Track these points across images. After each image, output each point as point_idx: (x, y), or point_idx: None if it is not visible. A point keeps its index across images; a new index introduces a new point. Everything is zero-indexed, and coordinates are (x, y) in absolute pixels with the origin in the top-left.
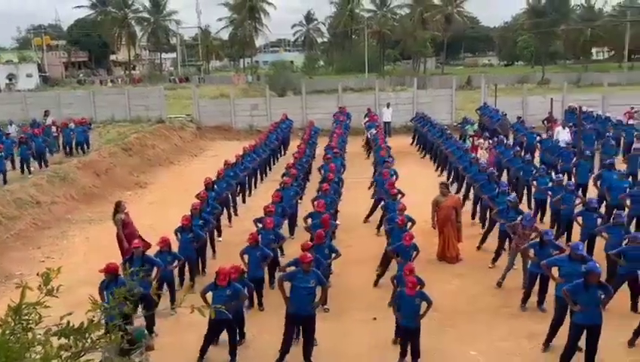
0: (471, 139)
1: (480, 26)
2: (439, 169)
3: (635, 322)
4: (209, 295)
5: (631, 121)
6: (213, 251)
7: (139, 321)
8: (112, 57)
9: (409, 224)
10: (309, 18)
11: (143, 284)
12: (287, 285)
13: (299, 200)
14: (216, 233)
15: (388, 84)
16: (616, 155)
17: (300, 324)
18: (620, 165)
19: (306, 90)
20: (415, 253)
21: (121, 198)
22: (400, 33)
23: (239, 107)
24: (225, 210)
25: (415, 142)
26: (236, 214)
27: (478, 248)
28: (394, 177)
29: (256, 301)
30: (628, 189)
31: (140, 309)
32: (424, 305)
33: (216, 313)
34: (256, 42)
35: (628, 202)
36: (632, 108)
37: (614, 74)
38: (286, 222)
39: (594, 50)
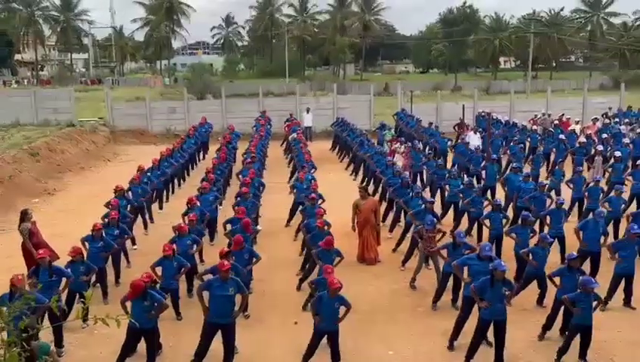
0: (389, 143)
1: (397, 34)
2: (354, 173)
3: (542, 318)
4: (129, 304)
5: (535, 127)
6: (127, 261)
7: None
8: (17, 57)
9: (326, 228)
10: (228, 21)
11: (48, 296)
12: (206, 294)
13: (219, 206)
14: (130, 242)
15: (309, 89)
16: (523, 159)
17: (220, 332)
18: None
19: (226, 94)
20: (338, 258)
21: (28, 206)
22: (320, 39)
23: (156, 110)
24: (140, 217)
25: (335, 147)
26: (152, 221)
27: (394, 251)
28: (313, 181)
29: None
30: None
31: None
32: (343, 308)
33: (134, 323)
34: (173, 44)
35: (532, 206)
36: (536, 115)
37: (520, 82)
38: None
39: (502, 60)
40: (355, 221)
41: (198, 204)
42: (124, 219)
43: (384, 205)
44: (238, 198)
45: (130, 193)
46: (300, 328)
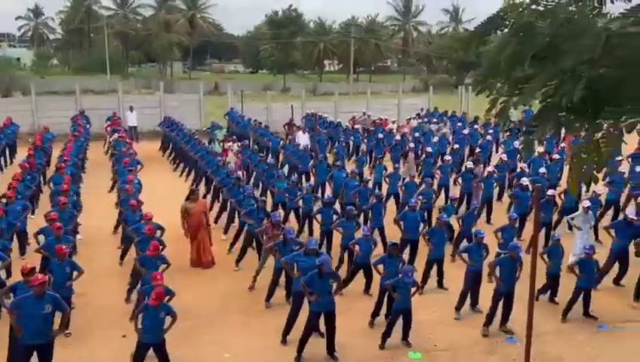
0: (222, 143)
1: (225, 33)
2: (186, 174)
3: (371, 305)
4: None
5: (356, 126)
6: None
7: None
8: None
9: (159, 232)
10: (36, 11)
11: None
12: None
13: (29, 216)
14: None
15: (133, 86)
16: (347, 157)
17: (37, 354)
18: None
19: (36, 91)
20: (165, 265)
21: None
22: (144, 35)
23: None
24: None
25: (164, 148)
26: None
27: (229, 251)
28: (127, 186)
29: None
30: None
31: None
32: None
33: None
34: None
35: (357, 200)
36: (354, 116)
37: (344, 84)
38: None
39: (326, 63)
40: (186, 226)
41: (4, 214)
42: None
43: (217, 206)
44: (54, 208)
45: None
46: (130, 341)
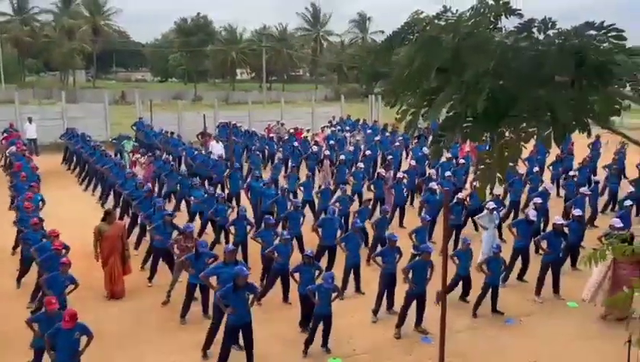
0: (130, 154)
1: (131, 41)
2: (93, 188)
3: (285, 313)
4: None
5: (271, 135)
6: None
7: None
8: None
9: (63, 251)
10: None
11: None
12: None
13: None
14: None
15: (32, 96)
16: (263, 166)
17: None
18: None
19: None
20: (72, 286)
21: None
22: (44, 42)
23: None
24: None
25: (67, 161)
26: None
27: (142, 268)
28: (26, 203)
29: None
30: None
31: None
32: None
33: None
34: None
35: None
36: (270, 124)
37: (257, 93)
38: None
39: (239, 71)
40: (98, 249)
41: None
42: None
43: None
44: None
45: None
46: None
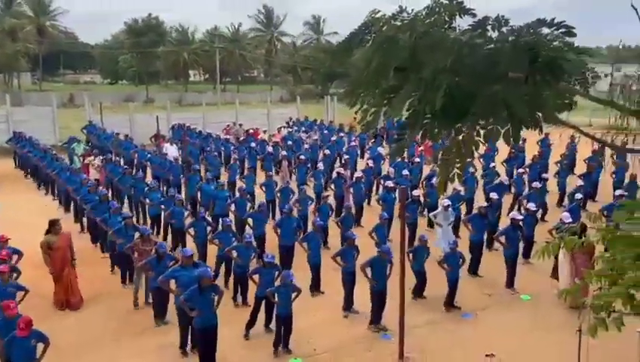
0: (81, 158)
1: (79, 42)
2: (48, 192)
3: (245, 315)
4: None
5: (228, 136)
6: None
7: None
8: None
9: (15, 257)
10: None
11: None
12: None
13: None
14: None
15: None
16: (220, 168)
17: None
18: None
19: None
20: (22, 293)
21: None
22: None
23: None
24: None
25: (19, 165)
26: None
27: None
28: None
29: None
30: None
31: None
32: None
33: None
34: None
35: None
36: (228, 125)
37: (210, 94)
38: None
39: (192, 73)
40: (49, 262)
41: None
42: None
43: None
44: None
45: None
46: None
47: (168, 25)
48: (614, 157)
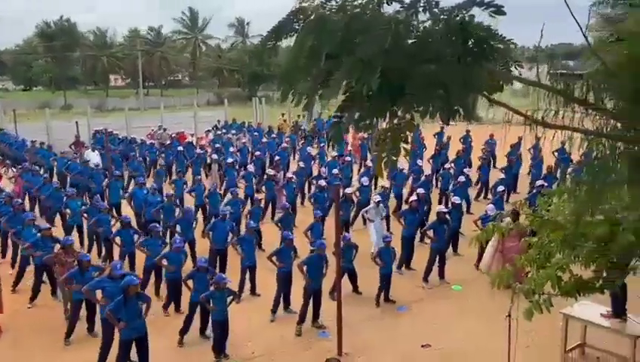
0: None
1: None
2: None
3: (178, 322)
4: None
5: (152, 141)
6: None
7: None
8: None
9: None
10: None
11: None
12: None
13: None
14: None
15: None
16: (146, 173)
17: None
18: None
19: None
20: None
21: None
22: None
23: None
24: None
25: None
26: None
27: (13, 290)
28: None
29: None
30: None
31: None
32: None
33: None
34: None
35: (162, 214)
36: (153, 129)
37: (133, 99)
38: None
39: (112, 77)
40: None
41: None
42: None
43: None
44: None
45: None
46: None
47: (84, 28)
48: (532, 151)
